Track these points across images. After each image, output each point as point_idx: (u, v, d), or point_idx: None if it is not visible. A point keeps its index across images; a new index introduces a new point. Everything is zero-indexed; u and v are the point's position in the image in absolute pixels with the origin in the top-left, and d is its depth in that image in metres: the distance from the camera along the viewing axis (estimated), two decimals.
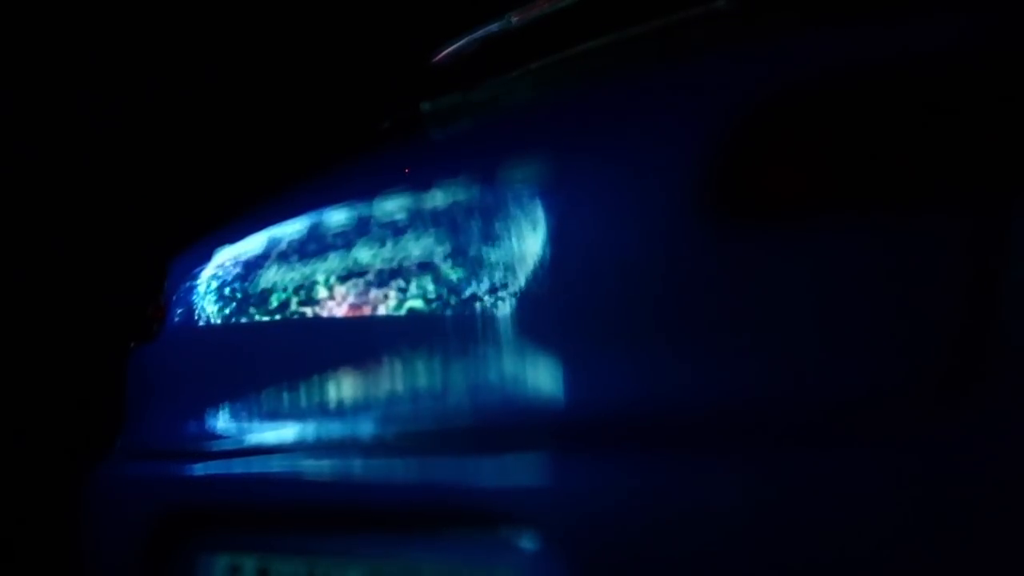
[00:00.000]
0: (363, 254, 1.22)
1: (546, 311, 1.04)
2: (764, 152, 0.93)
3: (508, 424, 1.04)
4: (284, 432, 1.25)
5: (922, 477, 0.77)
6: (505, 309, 1.07)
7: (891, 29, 0.92)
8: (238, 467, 1.30)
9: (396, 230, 1.19)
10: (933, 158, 0.84)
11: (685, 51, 1.18)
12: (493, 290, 1.08)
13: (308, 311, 1.28)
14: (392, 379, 1.16)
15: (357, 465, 1.17)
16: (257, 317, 1.37)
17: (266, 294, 1.35)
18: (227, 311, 1.44)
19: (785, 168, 0.92)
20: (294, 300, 1.31)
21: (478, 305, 1.10)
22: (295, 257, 1.33)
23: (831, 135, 0.90)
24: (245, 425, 1.33)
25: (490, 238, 1.10)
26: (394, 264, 1.18)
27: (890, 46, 0.90)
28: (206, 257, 1.51)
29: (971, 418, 0.77)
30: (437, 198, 1.17)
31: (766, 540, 0.83)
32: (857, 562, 0.79)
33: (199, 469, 1.37)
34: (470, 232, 1.12)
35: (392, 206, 1.22)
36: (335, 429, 1.21)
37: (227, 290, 1.44)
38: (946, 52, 0.86)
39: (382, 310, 1.19)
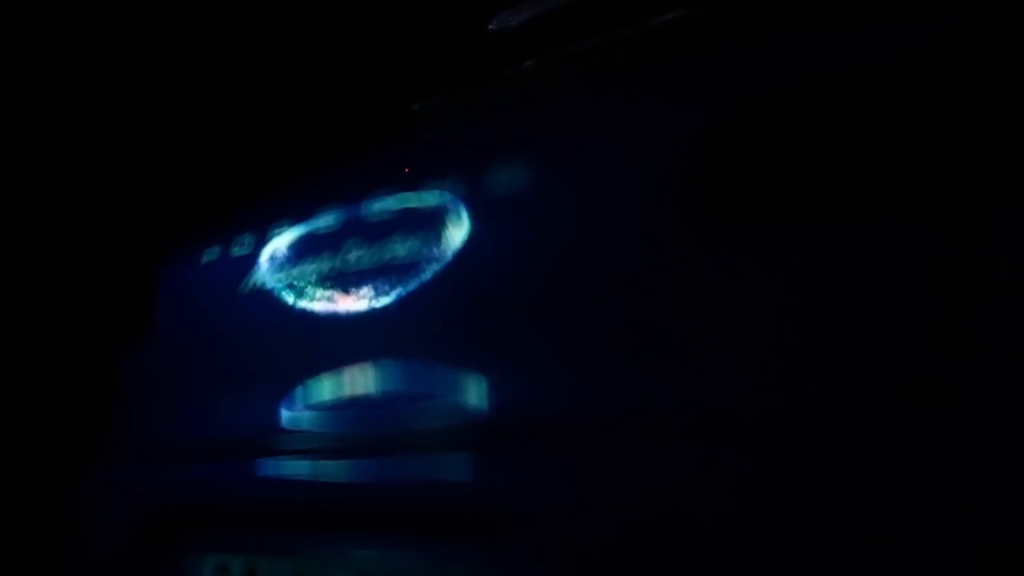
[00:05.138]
0: (352, 254, 1.23)
1: (531, 311, 1.04)
2: (753, 153, 0.94)
3: (494, 424, 1.04)
4: (273, 433, 1.25)
5: (908, 479, 0.78)
6: (491, 308, 1.07)
7: (880, 29, 0.92)
8: (227, 468, 1.30)
9: (384, 230, 1.20)
10: (921, 158, 0.85)
11: (674, 52, 1.18)
12: (487, 290, 1.09)
13: (298, 312, 1.28)
14: (381, 380, 1.16)
15: (345, 466, 1.17)
16: (247, 318, 1.37)
17: (255, 295, 1.35)
18: (217, 311, 1.44)
19: (771, 170, 0.92)
20: (284, 301, 1.31)
21: (466, 305, 1.10)
22: (286, 257, 1.33)
23: (821, 136, 0.90)
24: (233, 426, 1.33)
25: (480, 239, 1.11)
26: (383, 264, 1.18)
27: (879, 46, 0.91)
28: (196, 257, 1.51)
29: (959, 419, 0.77)
30: (424, 198, 1.17)
31: (751, 538, 0.83)
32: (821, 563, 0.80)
33: (188, 470, 1.37)
34: (461, 232, 1.12)
35: (380, 206, 1.22)
36: (324, 430, 1.21)
37: (217, 290, 1.44)
38: (936, 51, 0.87)
39: (371, 310, 1.19)
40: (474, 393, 1.06)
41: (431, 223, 1.15)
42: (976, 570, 0.74)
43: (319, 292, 1.26)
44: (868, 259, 0.84)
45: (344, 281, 1.23)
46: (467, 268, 1.11)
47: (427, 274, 1.14)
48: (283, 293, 1.31)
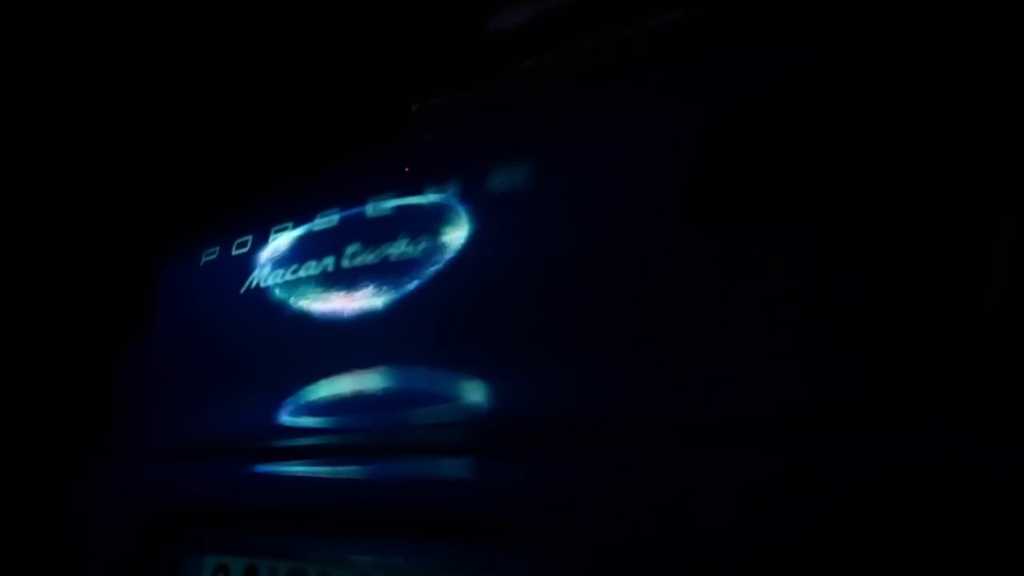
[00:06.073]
0: (351, 254, 1.23)
1: (529, 312, 1.04)
2: (750, 153, 0.94)
3: (493, 427, 1.04)
4: (273, 434, 1.25)
5: (901, 477, 0.78)
6: (491, 310, 1.07)
7: (877, 31, 0.93)
8: (227, 469, 1.30)
9: (383, 231, 1.20)
10: (916, 158, 0.85)
11: (671, 53, 1.18)
12: (487, 293, 1.09)
13: (297, 312, 1.28)
14: (381, 381, 1.16)
15: (345, 468, 1.17)
16: (247, 317, 1.37)
17: (255, 295, 1.35)
18: (217, 312, 1.44)
19: (771, 169, 0.92)
20: (283, 301, 1.31)
21: (466, 306, 1.10)
22: (285, 257, 1.33)
23: (817, 136, 0.90)
24: (233, 427, 1.33)
25: (478, 239, 1.11)
26: (382, 265, 1.18)
27: (876, 48, 0.91)
28: (196, 257, 1.51)
29: (955, 417, 0.77)
30: (424, 198, 1.17)
31: (747, 537, 0.83)
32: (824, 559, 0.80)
33: (188, 470, 1.37)
34: (460, 233, 1.12)
35: (379, 206, 1.22)
36: (324, 431, 1.21)
37: (217, 291, 1.44)
38: (931, 53, 0.87)
39: (369, 311, 1.19)
40: (474, 396, 1.06)
41: (430, 223, 1.15)
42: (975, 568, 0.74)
43: (319, 292, 1.26)
44: (867, 259, 0.84)
45: (343, 281, 1.23)
46: (467, 269, 1.11)
47: (427, 275, 1.14)
48: (282, 293, 1.31)
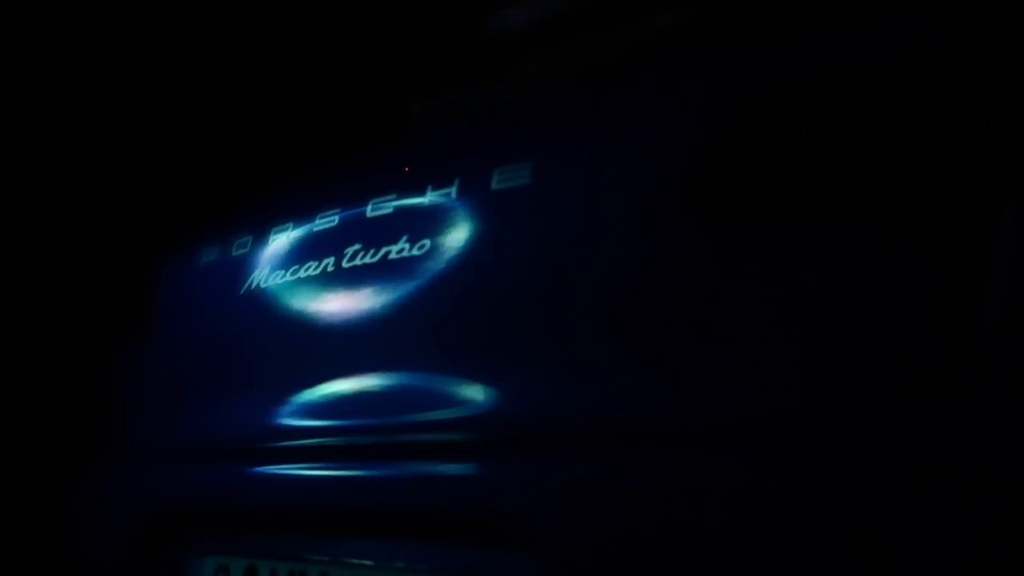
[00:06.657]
0: (350, 255, 1.23)
1: (528, 314, 1.04)
2: (751, 153, 0.94)
3: (492, 429, 1.04)
4: (273, 435, 1.25)
5: (901, 478, 0.78)
6: (490, 312, 1.07)
7: (877, 31, 0.93)
8: (227, 470, 1.30)
9: (382, 231, 1.20)
10: (917, 160, 0.85)
11: (671, 53, 1.18)
12: (487, 293, 1.08)
13: (297, 313, 1.28)
14: (381, 382, 1.16)
15: (345, 469, 1.17)
16: (247, 318, 1.37)
17: (255, 296, 1.35)
18: (216, 312, 1.44)
19: (772, 169, 0.92)
20: (282, 301, 1.30)
21: (465, 308, 1.10)
22: (285, 257, 1.33)
23: (818, 136, 0.90)
24: (233, 427, 1.32)
25: (479, 239, 1.11)
26: (381, 265, 1.18)
27: (876, 48, 0.91)
28: (196, 257, 1.51)
29: (957, 418, 0.77)
30: (424, 198, 1.17)
31: (745, 539, 0.83)
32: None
33: (188, 471, 1.36)
34: (459, 234, 1.12)
35: (379, 206, 1.22)
36: (324, 432, 1.21)
37: (216, 291, 1.44)
38: (930, 54, 0.87)
39: (369, 312, 1.19)
40: (473, 397, 1.06)
41: (430, 223, 1.15)
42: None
43: (318, 293, 1.26)
44: (867, 260, 0.84)
45: (343, 282, 1.23)
46: (466, 270, 1.11)
47: (426, 276, 1.13)
48: (282, 294, 1.31)
